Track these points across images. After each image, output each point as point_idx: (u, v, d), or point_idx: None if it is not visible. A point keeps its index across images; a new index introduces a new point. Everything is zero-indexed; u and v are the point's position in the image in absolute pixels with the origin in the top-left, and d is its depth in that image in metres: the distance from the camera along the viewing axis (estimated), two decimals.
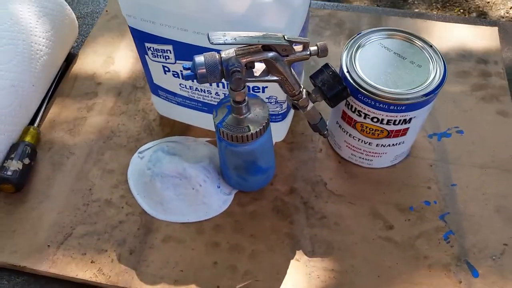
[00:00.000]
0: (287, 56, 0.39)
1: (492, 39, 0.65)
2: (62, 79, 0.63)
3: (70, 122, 0.58)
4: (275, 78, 0.40)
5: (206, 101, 0.51)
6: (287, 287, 0.45)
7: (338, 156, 0.54)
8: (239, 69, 0.38)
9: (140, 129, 0.57)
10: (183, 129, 0.57)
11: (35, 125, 0.57)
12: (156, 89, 0.53)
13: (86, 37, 0.69)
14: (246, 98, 0.42)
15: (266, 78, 0.40)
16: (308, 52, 0.40)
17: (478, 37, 0.65)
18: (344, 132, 0.50)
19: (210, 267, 0.46)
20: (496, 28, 0.66)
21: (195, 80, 0.46)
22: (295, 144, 0.56)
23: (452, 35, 0.66)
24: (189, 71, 0.39)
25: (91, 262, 0.47)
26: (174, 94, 0.52)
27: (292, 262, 0.46)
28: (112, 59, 0.65)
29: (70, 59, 0.66)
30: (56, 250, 0.48)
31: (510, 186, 0.51)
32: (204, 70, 0.38)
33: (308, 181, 0.52)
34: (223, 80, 0.39)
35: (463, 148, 0.54)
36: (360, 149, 0.51)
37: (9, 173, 0.50)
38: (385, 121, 0.46)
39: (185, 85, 0.50)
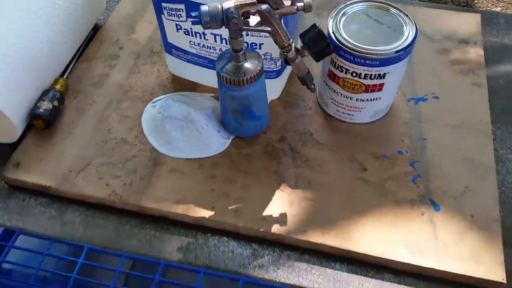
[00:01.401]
0: (278, 9, 0.47)
1: (475, 23, 0.72)
2: (89, 44, 0.72)
3: (95, 77, 0.67)
4: (267, 28, 0.48)
5: (211, 57, 0.59)
6: (271, 210, 0.52)
7: (325, 113, 0.62)
8: (236, 16, 0.46)
9: (155, 85, 0.66)
10: (192, 87, 0.65)
11: (65, 77, 0.66)
12: (170, 48, 0.62)
13: (111, 12, 0.78)
14: (244, 48, 0.50)
15: (260, 28, 0.48)
16: (296, 7, 0.48)
17: (462, 22, 0.73)
18: (330, 89, 0.58)
19: (207, 193, 0.54)
20: (478, 15, 0.73)
21: (201, 36, 0.54)
22: (288, 102, 0.63)
23: (438, 19, 0.73)
24: (195, 18, 0.47)
25: (106, 185, 0.55)
26: (185, 52, 0.60)
27: (277, 192, 0.54)
28: (134, 29, 0.74)
29: (97, 29, 0.75)
30: (77, 175, 0.56)
31: (477, 143, 0.58)
32: (208, 18, 0.46)
33: (297, 132, 0.60)
34: (223, 28, 0.47)
35: (437, 111, 0.61)
36: (343, 104, 0.58)
37: (41, 110, 0.59)
38: (362, 75, 0.53)
39: (194, 42, 0.58)
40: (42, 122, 0.59)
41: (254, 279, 0.50)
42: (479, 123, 0.60)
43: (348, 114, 0.59)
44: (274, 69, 0.58)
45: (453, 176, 0.55)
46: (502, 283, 0.47)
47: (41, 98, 0.60)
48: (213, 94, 0.64)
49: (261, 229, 0.51)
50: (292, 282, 0.49)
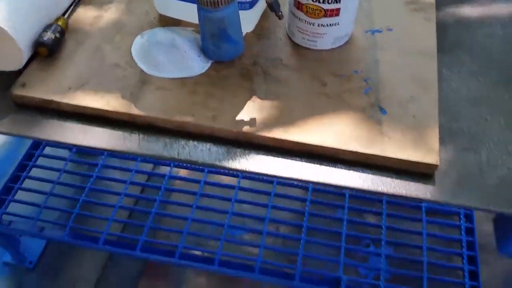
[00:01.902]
0: None
1: None
2: None
3: (91, 18, 0.75)
4: None
5: None
6: (243, 116, 0.61)
7: (293, 43, 0.71)
8: None
9: (143, 23, 0.74)
10: (176, 24, 0.74)
11: (65, 16, 0.74)
12: None
13: None
14: None
15: None
16: None
17: None
18: (296, 17, 0.67)
19: (189, 104, 0.62)
20: None
21: None
22: (261, 35, 0.72)
23: None
24: None
25: (102, 97, 0.63)
26: None
27: (249, 102, 0.62)
28: None
29: None
30: (75, 91, 0.64)
31: (423, 63, 0.66)
32: None
33: (268, 58, 0.69)
34: None
35: (390, 40, 0.70)
36: (307, 31, 0.67)
37: (45, 38, 0.67)
38: (321, 0, 0.62)
39: None
40: (46, 50, 0.67)
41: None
42: (427, 48, 0.69)
43: (312, 41, 0.68)
44: (247, 0, 0.67)
45: (400, 89, 0.64)
46: (435, 165, 0.55)
47: (45, 30, 0.69)
48: (194, 29, 0.72)
49: (234, 130, 0.60)
50: (259, 171, 0.58)
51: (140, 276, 1.34)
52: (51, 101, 0.64)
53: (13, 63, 0.68)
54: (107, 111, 0.62)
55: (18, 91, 0.65)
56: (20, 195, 1.18)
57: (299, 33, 0.68)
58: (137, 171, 1.22)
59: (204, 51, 0.68)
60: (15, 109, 0.66)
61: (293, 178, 0.57)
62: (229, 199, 1.13)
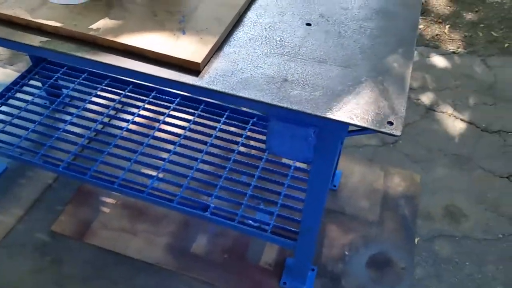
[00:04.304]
0: None
1: None
2: None
3: None
4: None
5: None
6: (95, 25, 0.93)
7: None
8: None
9: None
10: None
11: None
12: None
13: None
14: None
15: None
16: None
17: None
18: None
19: (63, 17, 0.95)
20: None
21: None
22: None
23: None
24: None
25: (11, 9, 0.97)
26: None
27: (102, 20, 0.95)
28: None
29: None
30: None
31: (228, 10, 0.97)
32: None
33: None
34: None
35: None
36: None
37: None
38: None
39: None
40: None
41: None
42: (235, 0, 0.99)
43: None
44: None
45: (201, 22, 0.95)
46: (198, 63, 0.86)
47: None
48: None
49: (84, 32, 0.92)
50: (97, 59, 0.89)
51: (68, 202, 1.62)
52: None
53: None
54: (12, 16, 0.96)
55: None
56: None
57: None
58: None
59: None
60: None
61: (117, 66, 0.88)
62: (146, 135, 1.46)
